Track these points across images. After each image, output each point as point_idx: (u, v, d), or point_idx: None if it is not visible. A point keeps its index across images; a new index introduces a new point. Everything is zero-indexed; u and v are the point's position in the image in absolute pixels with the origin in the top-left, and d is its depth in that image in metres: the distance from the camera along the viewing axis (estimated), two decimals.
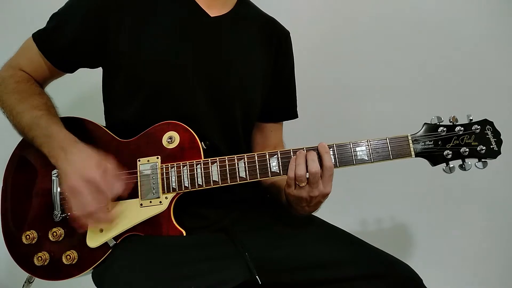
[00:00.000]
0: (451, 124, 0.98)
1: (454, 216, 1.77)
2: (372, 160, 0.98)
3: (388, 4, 1.70)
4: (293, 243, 1.05)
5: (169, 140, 1.01)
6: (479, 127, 0.97)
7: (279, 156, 0.99)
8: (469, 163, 0.97)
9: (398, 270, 1.02)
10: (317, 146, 0.98)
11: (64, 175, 0.93)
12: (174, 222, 0.98)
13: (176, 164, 1.00)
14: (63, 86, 1.20)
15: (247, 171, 0.99)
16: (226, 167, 0.99)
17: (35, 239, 1.01)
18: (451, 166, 0.97)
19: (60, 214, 1.01)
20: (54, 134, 0.96)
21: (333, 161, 0.97)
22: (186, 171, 0.99)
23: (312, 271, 1.02)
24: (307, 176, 0.95)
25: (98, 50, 1.05)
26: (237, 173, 0.99)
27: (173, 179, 0.99)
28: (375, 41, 1.70)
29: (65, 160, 0.93)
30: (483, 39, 1.69)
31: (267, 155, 0.99)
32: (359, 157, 0.98)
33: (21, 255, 1.02)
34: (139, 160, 1.01)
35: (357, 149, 0.98)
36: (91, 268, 0.99)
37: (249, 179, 0.99)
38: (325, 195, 0.98)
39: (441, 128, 0.97)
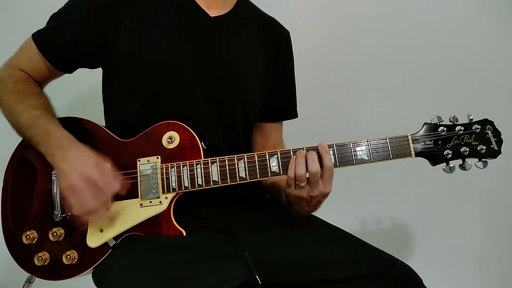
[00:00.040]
0: (451, 123, 0.98)
1: (454, 216, 1.77)
2: (372, 160, 0.98)
3: (388, 4, 1.70)
4: (293, 243, 1.05)
5: (169, 140, 1.01)
6: (479, 126, 0.97)
7: (279, 156, 0.99)
8: (469, 162, 0.97)
9: (398, 270, 1.02)
10: (317, 146, 0.98)
11: (63, 174, 0.93)
12: (174, 222, 0.98)
13: (176, 164, 1.00)
14: (62, 86, 1.20)
15: (247, 171, 0.99)
16: (226, 167, 0.99)
17: (36, 239, 1.02)
18: (451, 165, 0.97)
19: (60, 214, 1.01)
20: (52, 133, 0.97)
21: (333, 161, 0.97)
22: (186, 171, 0.99)
23: (312, 271, 1.02)
24: (307, 176, 0.95)
25: (98, 50, 1.05)
26: (237, 173, 0.99)
27: (173, 179, 0.99)
28: (375, 41, 1.70)
29: (62, 159, 0.93)
30: (483, 39, 1.69)
31: (267, 155, 0.99)
32: (359, 157, 0.98)
33: (22, 255, 1.02)
34: (139, 160, 1.01)
35: (357, 149, 0.98)
36: (91, 268, 0.99)
37: (249, 179, 0.99)
38: (325, 195, 0.98)
39: (441, 127, 0.97)
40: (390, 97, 1.72)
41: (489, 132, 0.97)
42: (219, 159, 0.99)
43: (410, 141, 0.97)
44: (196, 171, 0.99)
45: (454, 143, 0.97)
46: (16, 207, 1.05)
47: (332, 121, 1.72)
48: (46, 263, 1.00)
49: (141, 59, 1.02)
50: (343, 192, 1.52)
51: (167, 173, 0.99)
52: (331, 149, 0.97)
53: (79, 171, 0.91)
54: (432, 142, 0.97)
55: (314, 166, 0.95)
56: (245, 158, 0.99)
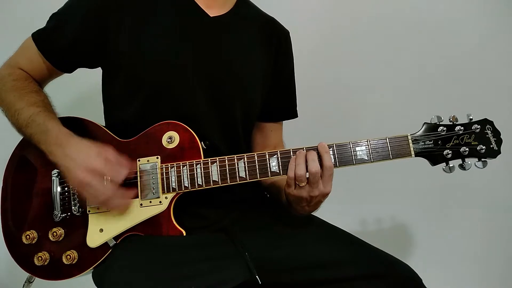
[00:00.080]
0: (451, 123, 0.98)
1: (454, 216, 1.77)
2: (372, 160, 0.98)
3: (388, 4, 1.70)
4: (293, 243, 1.05)
5: (169, 140, 1.01)
6: (479, 126, 0.97)
7: (279, 156, 0.99)
8: (469, 162, 0.97)
9: (398, 270, 1.02)
10: (317, 146, 0.98)
11: (68, 171, 0.93)
12: (174, 222, 0.98)
13: (176, 164, 1.00)
14: (62, 86, 1.20)
15: (247, 171, 0.99)
16: (226, 167, 0.99)
17: (35, 239, 1.02)
18: (451, 165, 0.97)
19: (60, 214, 1.01)
20: (50, 130, 0.97)
21: (333, 161, 0.97)
22: (186, 171, 0.99)
23: (312, 271, 1.02)
24: (307, 176, 0.95)
25: (98, 50, 1.05)
26: (237, 173, 0.99)
27: (173, 179, 0.99)
28: (375, 41, 1.70)
29: (64, 156, 0.93)
30: (483, 39, 1.69)
31: (267, 155, 0.99)
32: (359, 157, 0.98)
33: (21, 255, 1.02)
34: (139, 160, 1.01)
35: (357, 149, 0.98)
36: (91, 268, 0.99)
37: (249, 179, 0.99)
38: (325, 195, 0.98)
39: (441, 127, 0.97)
40: (390, 97, 1.72)
41: (489, 132, 0.97)
42: (219, 159, 0.99)
43: (410, 141, 0.97)
44: (196, 171, 0.99)
45: (454, 143, 0.97)
46: (16, 207, 1.05)
47: (332, 121, 1.72)
48: (46, 263, 1.00)
49: (141, 59, 1.02)
50: (343, 192, 1.52)
51: (167, 173, 0.99)
52: (331, 149, 0.97)
53: (83, 165, 0.91)
54: (432, 142, 0.97)
55: (314, 166, 0.95)
56: (245, 158, 0.99)
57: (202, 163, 0.99)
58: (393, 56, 1.71)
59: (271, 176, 0.99)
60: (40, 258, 1.00)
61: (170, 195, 0.99)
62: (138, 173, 1.00)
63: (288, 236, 1.07)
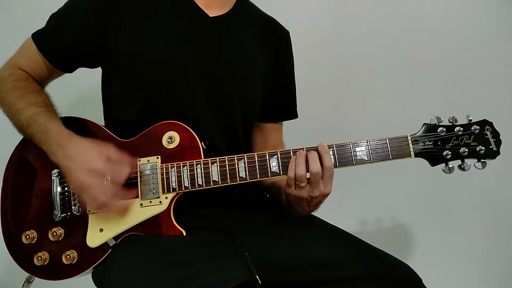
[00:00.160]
0: (451, 124, 0.98)
1: (453, 216, 1.77)
2: (372, 160, 0.98)
3: (388, 4, 1.70)
4: (293, 243, 1.05)
5: (169, 140, 1.01)
6: (478, 127, 0.97)
7: (279, 156, 0.99)
8: (469, 163, 0.97)
9: (398, 270, 1.02)
10: (317, 147, 0.98)
11: (68, 172, 0.93)
12: (174, 222, 0.98)
13: (176, 164, 1.00)
14: (62, 86, 1.20)
15: (247, 171, 0.99)
16: (226, 167, 0.99)
17: (35, 239, 1.02)
18: (450, 166, 0.98)
19: (60, 214, 1.01)
20: (51, 130, 0.97)
21: (332, 161, 0.97)
22: (186, 171, 0.99)
23: (312, 271, 1.02)
24: (308, 176, 0.95)
25: (98, 50, 1.05)
26: (237, 173, 0.99)
27: (173, 179, 0.99)
28: (375, 41, 1.70)
29: (65, 156, 0.93)
30: (483, 39, 1.69)
31: (267, 155, 0.99)
32: (358, 157, 0.98)
33: (21, 255, 1.02)
34: (139, 160, 1.01)
35: (357, 149, 0.98)
36: (91, 268, 1.00)
37: (249, 179, 0.99)
38: (325, 195, 0.98)
39: (441, 128, 0.97)
40: (390, 97, 1.72)
41: (488, 133, 0.97)
42: (219, 159, 0.99)
43: (410, 141, 0.97)
44: (196, 171, 0.99)
45: (453, 143, 0.97)
46: (15, 207, 1.05)
47: (332, 121, 1.72)
48: (45, 263, 1.00)
49: (141, 59, 1.02)
50: (343, 192, 1.52)
51: (167, 173, 0.99)
52: (331, 149, 0.97)
53: (84, 166, 0.91)
54: (431, 143, 0.97)
55: (315, 166, 0.95)
56: (245, 158, 0.99)
57: (202, 163, 0.99)
58: (393, 56, 1.71)
59: (271, 176, 0.99)
60: (40, 258, 1.00)
61: (170, 195, 0.99)
62: (138, 173, 1.00)
63: (288, 236, 1.07)
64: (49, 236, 1.01)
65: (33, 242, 1.01)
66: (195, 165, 0.99)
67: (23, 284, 1.14)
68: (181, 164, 1.00)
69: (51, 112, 1.02)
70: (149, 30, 1.03)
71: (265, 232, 1.08)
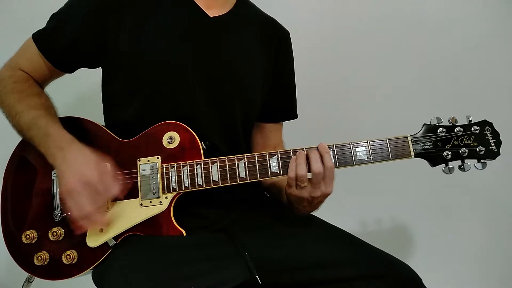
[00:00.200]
0: (451, 125, 0.98)
1: (453, 216, 1.77)
2: (372, 161, 0.98)
3: (388, 4, 1.70)
4: (293, 243, 1.05)
5: (169, 140, 1.01)
6: (478, 128, 0.97)
7: (279, 156, 0.99)
8: (469, 164, 0.97)
9: (398, 270, 1.02)
10: (317, 147, 0.98)
11: (61, 175, 0.93)
12: (174, 222, 0.98)
13: (176, 164, 1.00)
14: (62, 86, 1.20)
15: (247, 171, 0.99)
16: (226, 167, 0.99)
17: (35, 239, 1.01)
18: (450, 167, 0.98)
19: (60, 213, 1.01)
20: (52, 133, 0.97)
21: (332, 161, 0.97)
22: (186, 171, 0.99)
23: (312, 271, 1.02)
24: (309, 177, 0.95)
25: (98, 50, 1.05)
26: (237, 173, 0.99)
27: (173, 179, 0.99)
28: (375, 41, 1.70)
29: (63, 160, 0.93)
30: (483, 39, 1.69)
31: (267, 155, 0.99)
32: (358, 158, 0.98)
33: (21, 254, 1.02)
34: (139, 160, 1.01)
35: (357, 149, 0.98)
36: (91, 268, 0.99)
37: (249, 179, 0.99)
38: (326, 195, 0.98)
39: (441, 128, 0.97)
40: (390, 98, 1.72)
41: (488, 133, 0.97)
42: (219, 159, 0.99)
43: (410, 142, 0.97)
44: (196, 171, 0.99)
45: (453, 144, 0.97)
46: (16, 207, 1.05)
47: (332, 122, 1.72)
48: (45, 263, 1.00)
49: (141, 59, 1.02)
50: (343, 192, 1.52)
51: (167, 173, 0.99)
52: (331, 149, 0.97)
53: (78, 173, 0.91)
54: (431, 143, 0.97)
55: (317, 166, 0.94)
56: (245, 158, 0.99)
57: (202, 163, 0.99)
58: (393, 56, 1.71)
59: (271, 176, 0.99)
60: (40, 257, 1.00)
61: (170, 195, 0.99)
62: (138, 173, 1.00)
63: (288, 236, 1.07)
64: (49, 236, 1.01)
65: (33, 242, 1.01)
66: (195, 165, 0.99)
67: (23, 284, 1.14)
68: (181, 164, 1.00)
69: (51, 115, 1.02)
70: (149, 30, 1.03)
71: (265, 232, 1.08)
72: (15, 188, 1.06)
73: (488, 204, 1.76)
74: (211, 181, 0.99)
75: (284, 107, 1.26)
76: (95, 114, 1.13)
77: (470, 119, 0.98)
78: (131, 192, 1.00)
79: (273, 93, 1.20)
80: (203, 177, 0.99)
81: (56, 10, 1.08)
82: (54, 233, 1.01)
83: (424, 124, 0.99)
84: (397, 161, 0.98)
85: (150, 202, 0.99)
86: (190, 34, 1.06)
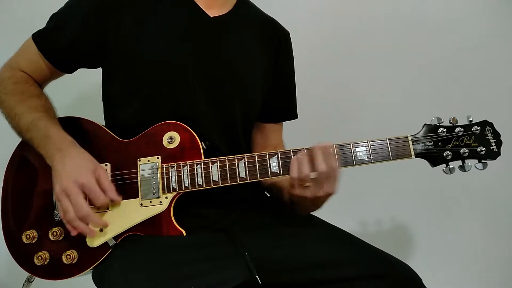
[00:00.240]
0: (451, 125, 0.98)
1: (454, 216, 1.77)
2: (372, 161, 0.98)
3: (388, 4, 1.70)
4: (293, 243, 1.05)
5: (169, 140, 1.01)
6: (479, 128, 0.97)
7: (279, 156, 0.99)
8: (469, 164, 0.97)
9: (398, 270, 1.02)
10: (318, 146, 0.97)
11: (58, 177, 0.93)
12: (174, 222, 0.98)
13: (176, 164, 1.00)
14: (62, 86, 1.20)
15: (247, 171, 0.99)
16: (226, 167, 0.99)
17: (35, 239, 1.02)
18: (451, 167, 0.97)
19: None
20: (52, 135, 0.97)
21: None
22: (186, 171, 0.99)
23: (312, 271, 1.02)
24: (312, 177, 0.95)
25: (98, 50, 1.05)
26: (237, 173, 0.99)
27: (173, 179, 0.99)
28: (375, 41, 1.70)
29: (60, 162, 0.93)
30: (483, 39, 1.69)
31: (267, 155, 0.99)
32: (359, 158, 0.98)
33: (21, 254, 1.02)
34: (139, 160, 1.01)
35: (357, 149, 0.98)
36: (91, 268, 0.99)
37: (249, 179, 0.99)
38: (329, 195, 0.98)
39: (441, 129, 0.97)
40: (390, 98, 1.72)
41: (489, 133, 0.97)
42: (219, 159, 0.99)
43: (410, 142, 0.97)
44: (196, 171, 0.99)
45: (454, 144, 0.97)
46: (16, 207, 1.05)
47: (332, 121, 1.72)
48: (46, 263, 1.00)
49: (141, 59, 1.02)
50: (343, 192, 1.52)
51: (167, 173, 0.99)
52: (331, 149, 0.97)
53: (73, 175, 0.91)
54: (432, 143, 0.97)
55: (321, 166, 0.94)
56: (245, 158, 0.99)
57: (202, 163, 0.99)
58: (393, 56, 1.71)
59: (271, 176, 0.99)
60: (40, 257, 1.00)
61: (170, 195, 0.99)
62: (139, 173, 1.00)
63: (288, 236, 1.07)
64: (50, 235, 1.01)
65: (34, 241, 1.02)
66: (195, 165, 0.99)
67: (24, 284, 1.14)
68: (181, 164, 1.00)
69: (51, 117, 1.02)
70: (149, 30, 1.03)
71: (265, 232, 1.08)
72: (15, 188, 1.06)
73: (488, 204, 1.75)
74: (211, 181, 0.99)
75: (284, 107, 1.26)
76: (95, 114, 1.13)
77: (471, 119, 0.98)
78: (131, 192, 0.99)
79: (273, 93, 1.20)
80: (203, 177, 0.99)
81: (56, 10, 1.08)
82: (55, 233, 1.01)
83: (425, 124, 0.99)
84: (397, 161, 0.98)
85: (150, 202, 0.99)
86: (190, 34, 1.06)
